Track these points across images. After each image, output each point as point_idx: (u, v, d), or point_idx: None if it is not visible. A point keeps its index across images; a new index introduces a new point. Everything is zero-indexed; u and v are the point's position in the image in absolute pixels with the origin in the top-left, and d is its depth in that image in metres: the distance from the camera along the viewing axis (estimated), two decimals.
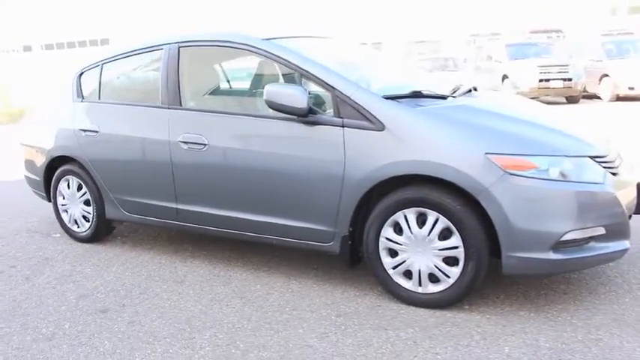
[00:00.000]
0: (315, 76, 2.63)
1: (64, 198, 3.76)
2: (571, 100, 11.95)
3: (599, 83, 11.91)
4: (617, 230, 2.36)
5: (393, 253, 2.52)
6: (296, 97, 2.53)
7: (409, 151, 2.38)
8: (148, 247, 3.61)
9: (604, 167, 2.38)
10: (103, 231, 3.70)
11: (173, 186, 3.11)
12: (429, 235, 2.41)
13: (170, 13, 33.95)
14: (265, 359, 2.16)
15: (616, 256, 2.44)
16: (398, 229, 2.48)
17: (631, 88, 11.11)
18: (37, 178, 3.93)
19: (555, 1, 30.15)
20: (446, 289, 2.43)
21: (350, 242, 2.62)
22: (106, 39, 35.80)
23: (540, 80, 11.46)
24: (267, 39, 2.88)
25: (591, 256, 2.34)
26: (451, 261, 2.40)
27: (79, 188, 3.65)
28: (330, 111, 2.61)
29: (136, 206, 3.36)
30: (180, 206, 3.12)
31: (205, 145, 2.91)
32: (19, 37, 37.86)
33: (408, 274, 2.51)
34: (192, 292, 2.84)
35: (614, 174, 2.42)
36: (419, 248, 2.44)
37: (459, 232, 2.34)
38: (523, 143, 2.30)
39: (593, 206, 2.29)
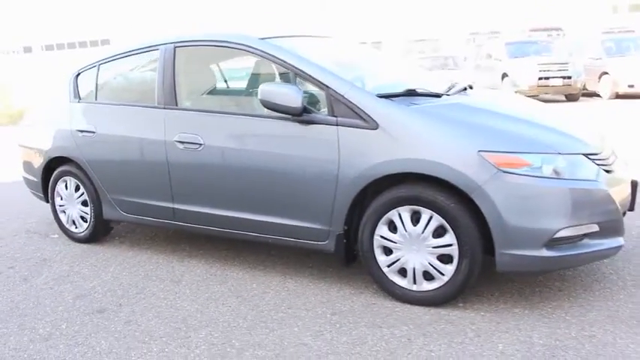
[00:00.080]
0: (310, 75, 2.64)
1: (61, 199, 3.77)
2: (571, 98, 11.94)
3: (598, 81, 11.90)
4: (610, 227, 2.36)
5: (388, 251, 2.53)
6: (290, 96, 2.54)
7: (403, 149, 2.39)
8: (145, 247, 3.62)
9: (598, 164, 2.39)
10: (100, 231, 3.72)
11: (169, 186, 3.12)
12: (423, 232, 2.41)
13: (170, 13, 33.97)
14: (260, 357, 2.17)
15: (610, 253, 2.45)
16: (392, 228, 2.49)
17: (630, 86, 11.09)
18: (35, 179, 3.95)
19: (555, 0, 30.10)
20: (440, 287, 2.44)
21: (345, 241, 2.63)
22: (107, 39, 35.86)
23: (540, 78, 11.45)
24: (263, 38, 2.89)
25: (585, 253, 2.35)
26: (445, 259, 2.41)
27: (77, 189, 3.67)
28: (324, 110, 2.62)
29: (133, 206, 3.37)
30: (177, 206, 3.13)
31: (201, 144, 2.92)
32: (19, 38, 37.92)
33: (402, 272, 2.52)
34: (189, 292, 2.85)
35: (608, 171, 2.42)
36: (413, 246, 2.45)
37: (452, 229, 2.35)
38: (516, 141, 2.31)
39: (586, 203, 2.29)
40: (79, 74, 3.70)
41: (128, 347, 2.32)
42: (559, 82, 11.45)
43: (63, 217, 3.81)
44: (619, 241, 2.40)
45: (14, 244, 3.88)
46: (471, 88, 3.19)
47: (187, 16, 33.10)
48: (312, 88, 2.72)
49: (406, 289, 2.52)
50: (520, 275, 2.74)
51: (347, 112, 2.51)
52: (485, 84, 13.01)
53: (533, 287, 2.65)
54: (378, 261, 2.55)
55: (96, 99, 3.58)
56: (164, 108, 3.12)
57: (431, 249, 2.41)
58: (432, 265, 2.43)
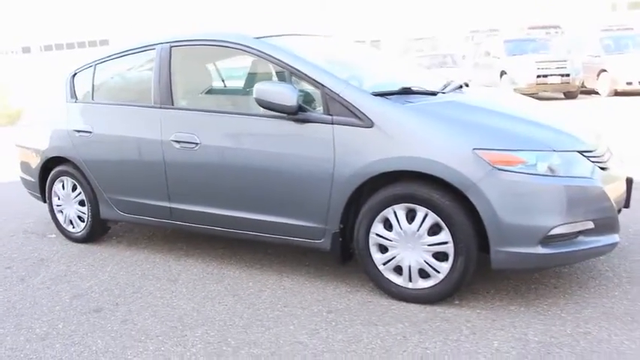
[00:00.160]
0: (305, 74, 2.64)
1: (59, 199, 3.78)
2: (569, 95, 11.95)
3: (597, 79, 11.90)
4: (606, 224, 2.37)
5: (384, 249, 2.54)
6: (285, 95, 2.54)
7: (398, 147, 2.39)
8: (142, 247, 3.63)
9: (593, 162, 2.39)
10: (98, 231, 3.72)
11: (166, 185, 3.12)
12: (418, 230, 2.42)
13: (169, 13, 33.96)
14: (256, 356, 2.17)
15: (606, 250, 2.45)
16: (388, 225, 2.49)
17: (629, 83, 11.10)
18: (32, 179, 3.95)
19: None
20: (436, 285, 2.45)
21: (341, 239, 2.63)
22: (106, 40, 35.83)
23: (538, 76, 11.46)
24: (258, 37, 2.89)
25: (580, 250, 2.35)
26: (441, 256, 2.41)
27: (74, 189, 3.67)
28: (319, 108, 2.62)
29: (130, 206, 3.37)
30: (174, 205, 3.14)
31: (197, 144, 2.93)
32: (18, 38, 37.90)
33: (398, 270, 2.53)
34: (186, 290, 2.85)
35: (603, 168, 2.43)
36: (409, 244, 2.45)
37: (448, 227, 2.35)
38: (511, 138, 2.31)
39: (581, 201, 2.30)
40: (75, 74, 3.70)
41: (124, 346, 2.32)
42: (557, 79, 11.46)
43: (60, 217, 3.81)
44: (614, 238, 2.41)
45: (12, 244, 3.88)
46: (466, 85, 3.20)
47: (186, 16, 33.08)
48: (308, 87, 2.72)
49: (402, 286, 2.52)
50: (515, 272, 2.75)
51: (342, 111, 2.52)
52: (484, 82, 13.00)
53: (529, 284, 2.65)
54: (374, 259, 2.56)
55: (92, 99, 3.58)
56: (160, 108, 3.12)
57: (426, 247, 2.42)
58: (427, 263, 2.44)
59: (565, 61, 11.61)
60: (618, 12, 30.03)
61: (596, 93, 12.11)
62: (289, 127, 2.64)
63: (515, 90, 11.23)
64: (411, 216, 2.44)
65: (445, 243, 2.37)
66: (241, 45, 2.89)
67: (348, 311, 2.50)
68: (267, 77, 3.29)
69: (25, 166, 4.05)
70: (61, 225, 3.83)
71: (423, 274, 2.47)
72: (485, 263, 2.41)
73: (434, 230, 2.40)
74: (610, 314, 2.32)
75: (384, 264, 2.54)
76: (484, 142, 2.28)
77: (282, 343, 2.25)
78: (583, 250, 2.35)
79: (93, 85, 3.59)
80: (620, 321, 2.26)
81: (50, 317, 2.65)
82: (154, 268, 3.21)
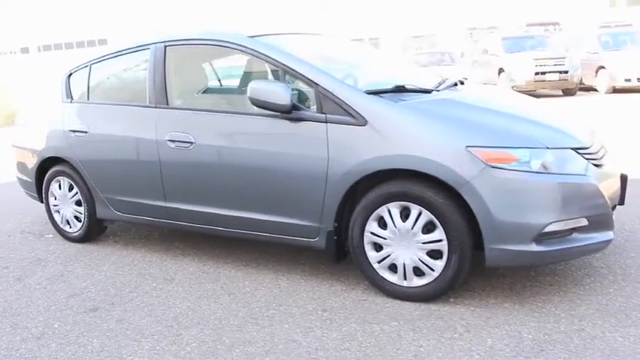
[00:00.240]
0: (298, 73, 2.64)
1: (55, 199, 3.78)
2: (567, 92, 11.95)
3: (595, 75, 11.89)
4: (600, 221, 2.37)
5: (378, 248, 2.54)
6: (279, 93, 2.54)
7: (391, 145, 2.39)
8: (139, 246, 3.63)
9: (587, 159, 2.39)
10: (94, 231, 3.72)
11: (161, 185, 3.12)
12: (412, 228, 2.42)
13: (168, 13, 33.93)
14: (250, 354, 2.18)
15: (600, 247, 2.45)
16: (382, 224, 2.50)
17: (627, 80, 11.09)
18: (29, 180, 3.96)
19: None
20: (430, 283, 2.45)
21: (335, 237, 2.63)
22: (104, 39, 35.79)
23: (536, 73, 11.46)
24: (252, 36, 2.89)
25: (574, 247, 2.35)
26: (435, 254, 2.41)
27: (70, 189, 3.67)
28: (313, 107, 2.62)
29: (126, 205, 3.38)
30: (169, 204, 3.14)
31: (192, 143, 2.93)
32: (16, 38, 37.87)
33: (393, 268, 2.53)
34: (182, 290, 2.86)
35: (597, 165, 2.43)
36: (403, 242, 2.45)
37: (441, 225, 2.35)
38: (504, 136, 2.31)
39: (575, 198, 2.30)
40: (71, 74, 3.71)
41: (119, 345, 2.33)
42: (555, 76, 11.45)
43: (57, 217, 3.82)
44: (609, 234, 2.41)
45: (9, 244, 3.88)
46: (461, 83, 3.19)
47: (186, 16, 33.06)
48: (302, 86, 2.72)
49: (397, 284, 2.53)
50: (510, 270, 2.76)
51: (336, 109, 2.52)
52: (482, 79, 13.00)
53: (524, 282, 2.66)
54: (369, 257, 2.56)
55: (88, 99, 3.58)
56: (155, 107, 3.12)
57: (420, 245, 2.42)
58: (421, 261, 2.44)
59: (563, 58, 11.61)
60: (617, 8, 29.99)
61: (595, 90, 12.11)
62: (283, 125, 2.64)
63: (513, 87, 11.24)
64: (405, 214, 2.44)
65: (439, 241, 2.37)
66: (235, 44, 2.89)
67: (343, 309, 2.50)
68: (263, 76, 3.29)
69: (21, 167, 4.05)
70: (57, 225, 3.83)
71: (418, 272, 2.47)
72: (480, 261, 2.41)
73: (428, 228, 2.40)
74: (604, 311, 2.33)
75: (379, 262, 2.54)
76: (477, 139, 2.28)
77: (276, 342, 2.26)
78: (577, 247, 2.35)
79: (88, 85, 3.59)
80: (614, 318, 2.26)
81: (46, 317, 2.65)
82: (150, 268, 3.21)
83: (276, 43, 2.86)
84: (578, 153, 2.38)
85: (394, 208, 2.44)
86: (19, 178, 4.15)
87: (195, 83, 3.54)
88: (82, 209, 3.64)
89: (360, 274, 2.76)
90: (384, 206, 2.46)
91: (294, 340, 2.26)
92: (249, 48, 2.84)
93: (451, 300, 2.51)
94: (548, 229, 2.26)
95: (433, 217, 2.36)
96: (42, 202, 3.93)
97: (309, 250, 3.14)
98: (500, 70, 12.35)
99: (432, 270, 2.43)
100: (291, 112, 2.59)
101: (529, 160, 2.26)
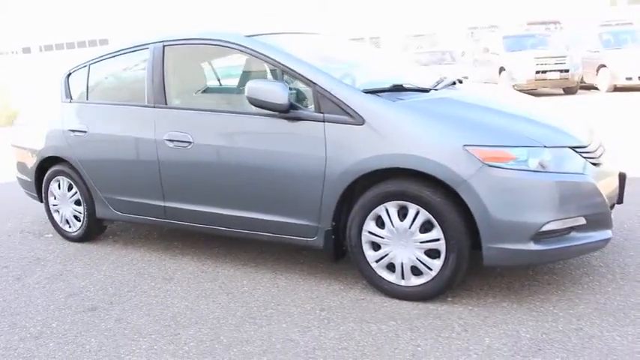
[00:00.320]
0: (296, 72, 2.64)
1: (55, 198, 3.78)
2: (568, 91, 11.92)
3: (596, 74, 11.87)
4: (598, 220, 2.36)
5: (376, 247, 2.54)
6: (277, 93, 2.54)
7: (389, 144, 2.39)
8: (138, 246, 3.64)
9: (585, 157, 2.39)
10: (94, 230, 3.73)
11: (160, 184, 3.13)
12: (410, 228, 2.42)
13: (169, 13, 33.94)
14: (247, 353, 2.18)
15: (599, 246, 2.44)
16: (380, 223, 2.50)
17: (628, 79, 11.06)
18: (29, 179, 3.96)
19: None
20: (428, 282, 2.45)
21: (333, 237, 2.63)
22: (105, 39, 35.82)
23: (537, 72, 11.43)
24: (249, 36, 2.89)
25: (573, 246, 2.34)
26: (433, 253, 2.41)
27: (70, 188, 3.68)
28: (311, 106, 2.62)
29: (125, 205, 3.38)
30: (168, 204, 3.14)
31: (190, 142, 2.93)
32: (18, 38, 37.93)
33: (391, 267, 2.53)
34: (180, 289, 2.86)
35: (595, 164, 2.42)
36: (401, 241, 2.45)
37: (439, 224, 2.35)
38: (501, 135, 2.31)
39: (572, 196, 2.29)
40: (70, 74, 3.71)
41: (117, 345, 2.33)
42: (556, 75, 11.43)
43: (57, 217, 3.82)
44: (607, 233, 2.40)
45: (8, 243, 3.89)
46: (460, 82, 3.19)
47: (186, 15, 33.07)
48: (299, 85, 2.72)
49: (394, 284, 2.52)
50: (508, 269, 2.75)
51: (333, 108, 2.52)
52: (483, 78, 12.99)
53: (522, 281, 2.65)
54: (367, 256, 2.56)
55: (87, 99, 3.59)
56: (154, 107, 3.13)
57: (418, 244, 2.42)
58: (419, 260, 2.44)
59: (564, 56, 11.58)
60: (618, 7, 29.93)
61: (596, 88, 12.08)
62: (281, 125, 2.64)
63: (514, 86, 11.23)
64: (402, 213, 2.44)
65: (437, 240, 2.37)
66: (232, 43, 2.89)
67: (341, 309, 2.50)
68: (261, 75, 3.29)
69: (21, 166, 4.06)
70: (57, 224, 3.84)
71: (416, 272, 2.47)
72: (478, 260, 2.41)
73: (426, 227, 2.40)
74: (603, 310, 2.32)
75: (377, 261, 2.54)
76: (475, 138, 2.28)
77: (273, 341, 2.26)
78: (576, 246, 2.35)
79: (87, 84, 3.59)
80: (612, 317, 2.26)
81: (45, 316, 2.66)
82: (149, 267, 3.22)
83: (274, 43, 2.85)
84: (576, 152, 2.37)
85: (392, 207, 2.44)
86: (18, 178, 4.16)
87: (193, 83, 3.54)
88: (81, 209, 3.65)
89: (358, 274, 2.76)
90: (381, 205, 2.46)
91: (292, 339, 2.26)
92: (247, 47, 2.84)
93: (449, 299, 2.51)
94: (545, 227, 2.26)
95: (431, 216, 2.36)
96: (41, 201, 3.93)
97: (307, 250, 3.14)
98: (501, 69, 12.33)
99: (430, 269, 2.43)
100: (288, 112, 2.58)
101: (526, 159, 2.26)
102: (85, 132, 3.45)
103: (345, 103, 2.49)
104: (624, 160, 3.48)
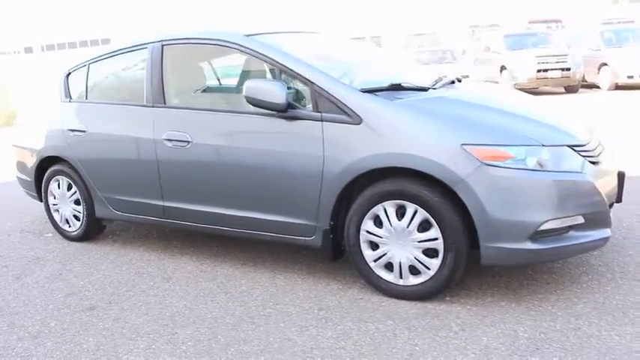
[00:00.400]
0: (293, 71, 2.64)
1: (54, 198, 3.79)
2: (570, 90, 11.89)
3: (598, 72, 11.84)
4: (597, 219, 2.35)
5: (374, 246, 2.53)
6: (274, 92, 2.54)
7: (387, 143, 2.38)
8: (137, 245, 3.64)
9: (583, 156, 2.38)
10: (93, 230, 3.73)
11: (159, 184, 3.13)
12: (408, 227, 2.41)
13: (171, 13, 33.95)
14: (245, 353, 2.18)
15: (597, 245, 2.43)
16: (378, 222, 2.49)
17: (630, 77, 11.03)
18: (29, 179, 3.97)
19: None
20: (426, 281, 2.44)
21: (332, 236, 2.63)
22: (107, 39, 35.84)
23: (538, 70, 11.41)
24: (248, 35, 2.89)
25: (571, 245, 2.34)
26: (431, 253, 2.41)
27: (69, 188, 3.68)
28: (309, 106, 2.62)
29: (124, 204, 3.38)
30: (167, 204, 3.14)
31: (189, 142, 2.93)
32: (20, 38, 37.98)
33: (389, 267, 2.52)
34: (179, 289, 2.86)
35: (594, 163, 2.41)
36: (399, 240, 2.45)
37: (437, 223, 2.34)
38: (499, 133, 2.30)
39: (571, 195, 2.28)
40: (69, 74, 3.71)
41: (115, 344, 2.33)
42: (558, 74, 11.40)
43: (56, 216, 3.83)
44: (606, 232, 2.40)
45: (8, 243, 3.90)
46: (459, 81, 3.18)
47: (187, 15, 33.07)
48: (297, 84, 2.71)
49: (393, 283, 2.52)
50: (506, 268, 2.75)
51: (331, 108, 2.51)
52: (484, 77, 12.97)
53: (520, 280, 2.65)
54: (365, 256, 2.56)
55: (86, 98, 3.59)
56: (152, 106, 3.13)
57: (416, 243, 2.41)
58: (417, 260, 2.43)
59: (565, 55, 11.54)
60: (619, 5, 29.85)
61: (597, 87, 12.05)
62: (279, 124, 2.64)
63: (515, 85, 11.21)
64: (400, 212, 2.43)
65: (435, 239, 2.37)
66: (231, 43, 2.89)
67: (339, 308, 2.50)
68: (260, 75, 3.28)
69: (21, 166, 4.07)
70: (57, 224, 3.84)
71: (414, 271, 2.47)
72: (476, 260, 2.40)
73: (424, 227, 2.39)
74: (601, 309, 2.32)
75: (375, 261, 2.54)
76: (472, 137, 2.27)
77: (271, 341, 2.26)
78: (574, 245, 2.34)
79: (86, 84, 3.60)
80: (611, 316, 2.25)
81: (43, 315, 2.66)
82: (148, 267, 3.22)
83: (272, 42, 2.85)
84: (575, 150, 2.37)
85: (390, 206, 2.43)
86: (18, 178, 4.17)
87: (192, 82, 3.53)
88: (80, 208, 3.65)
89: (356, 273, 2.76)
90: (379, 205, 2.45)
91: (290, 338, 2.26)
92: (245, 47, 2.84)
93: (447, 298, 2.51)
94: (544, 226, 2.25)
95: (429, 215, 2.35)
96: (41, 201, 3.94)
97: (306, 249, 3.14)
98: (502, 68, 12.31)
99: (428, 268, 2.42)
100: (286, 111, 2.58)
101: (524, 158, 2.25)
102: (84, 131, 3.45)
103: (342, 103, 2.48)
104: (624, 159, 3.47)
